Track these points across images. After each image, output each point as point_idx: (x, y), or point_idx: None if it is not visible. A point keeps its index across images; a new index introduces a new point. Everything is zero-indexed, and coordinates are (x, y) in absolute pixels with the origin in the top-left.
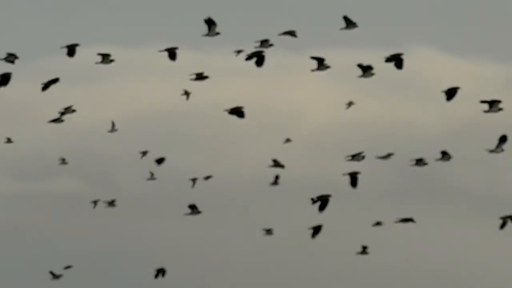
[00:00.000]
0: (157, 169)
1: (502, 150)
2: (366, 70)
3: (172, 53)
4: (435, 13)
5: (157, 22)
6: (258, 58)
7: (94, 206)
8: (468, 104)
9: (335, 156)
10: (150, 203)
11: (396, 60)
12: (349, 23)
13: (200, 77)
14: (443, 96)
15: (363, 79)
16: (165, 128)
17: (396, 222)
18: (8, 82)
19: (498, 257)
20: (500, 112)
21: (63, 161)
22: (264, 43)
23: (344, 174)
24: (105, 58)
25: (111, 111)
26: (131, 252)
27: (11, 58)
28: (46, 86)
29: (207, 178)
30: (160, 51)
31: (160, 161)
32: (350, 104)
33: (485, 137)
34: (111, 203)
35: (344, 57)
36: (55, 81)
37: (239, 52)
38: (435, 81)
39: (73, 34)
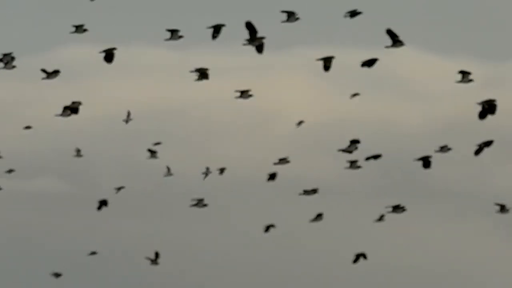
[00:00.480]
0: (142, 168)
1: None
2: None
3: (174, 33)
4: (417, 13)
5: (137, 22)
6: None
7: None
8: (451, 103)
9: (320, 155)
10: (137, 201)
11: (370, 62)
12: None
13: (203, 73)
14: (423, 95)
15: (348, 79)
16: (149, 127)
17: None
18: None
19: (483, 255)
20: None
21: (78, 153)
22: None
23: (346, 168)
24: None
25: (94, 110)
26: (119, 250)
27: (7, 60)
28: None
29: (222, 170)
30: (166, 39)
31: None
32: (355, 95)
33: (468, 136)
34: (100, 207)
35: (324, 55)
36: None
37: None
38: (418, 80)
39: (58, 33)
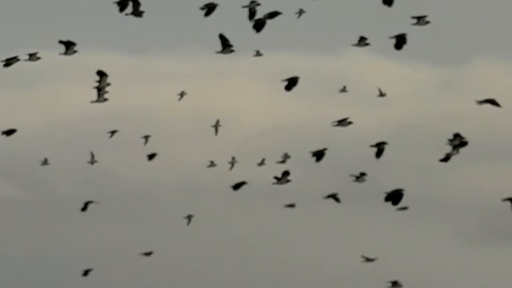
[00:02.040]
0: (94, 175)
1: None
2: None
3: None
4: (369, 16)
5: (89, 26)
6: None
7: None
8: (403, 107)
9: (269, 159)
10: (95, 209)
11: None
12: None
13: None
14: (378, 99)
15: (302, 83)
16: (99, 132)
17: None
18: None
19: (439, 261)
20: (441, 115)
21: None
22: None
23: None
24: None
25: (45, 115)
26: (74, 257)
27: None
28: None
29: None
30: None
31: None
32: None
33: (420, 140)
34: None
35: (278, 60)
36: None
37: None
38: (370, 84)
39: (9, 38)
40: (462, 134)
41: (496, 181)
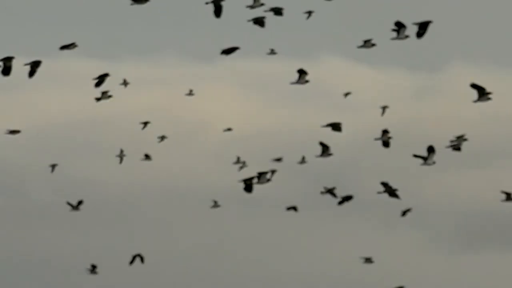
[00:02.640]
0: (76, 181)
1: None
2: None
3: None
4: (344, 23)
5: (67, 32)
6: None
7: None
8: (377, 113)
9: (249, 164)
10: (61, 212)
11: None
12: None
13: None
14: (354, 105)
15: (278, 89)
16: (76, 138)
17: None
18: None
19: (411, 267)
20: (417, 121)
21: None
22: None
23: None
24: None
25: (20, 120)
26: (43, 259)
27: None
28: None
29: None
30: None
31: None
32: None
33: (395, 145)
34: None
35: (254, 67)
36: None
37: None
38: (345, 90)
39: None
40: (436, 139)
41: (473, 187)
